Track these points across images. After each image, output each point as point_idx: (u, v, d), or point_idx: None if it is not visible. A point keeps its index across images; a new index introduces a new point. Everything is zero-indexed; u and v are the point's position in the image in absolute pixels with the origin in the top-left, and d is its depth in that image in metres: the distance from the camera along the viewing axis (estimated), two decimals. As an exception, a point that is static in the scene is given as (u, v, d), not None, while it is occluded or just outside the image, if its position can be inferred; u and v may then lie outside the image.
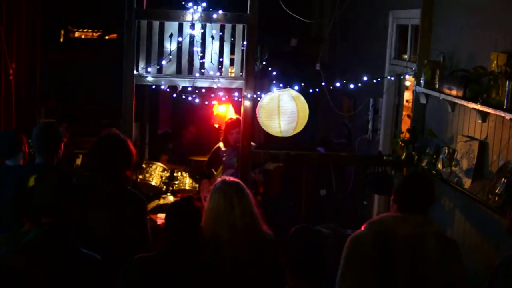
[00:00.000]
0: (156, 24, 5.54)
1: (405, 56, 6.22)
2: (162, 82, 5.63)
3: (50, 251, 2.80)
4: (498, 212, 3.87)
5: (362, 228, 3.36)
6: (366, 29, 7.69)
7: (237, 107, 6.90)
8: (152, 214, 6.46)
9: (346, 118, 7.97)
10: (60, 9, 10.43)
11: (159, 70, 5.59)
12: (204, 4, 5.49)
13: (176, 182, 7.26)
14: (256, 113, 5.32)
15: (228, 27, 5.59)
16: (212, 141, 8.04)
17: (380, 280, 3.23)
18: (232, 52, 5.65)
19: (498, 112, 3.81)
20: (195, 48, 5.55)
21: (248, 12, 5.47)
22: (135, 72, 5.51)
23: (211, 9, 5.54)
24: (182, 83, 5.67)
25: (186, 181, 7.30)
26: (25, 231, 3.16)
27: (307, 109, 5.24)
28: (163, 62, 5.56)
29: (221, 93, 5.86)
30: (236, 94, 5.91)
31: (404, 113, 6.44)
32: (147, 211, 3.92)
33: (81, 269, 2.83)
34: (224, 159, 6.47)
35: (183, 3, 5.60)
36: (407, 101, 6.39)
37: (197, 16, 5.48)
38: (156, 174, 7.26)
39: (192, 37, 5.54)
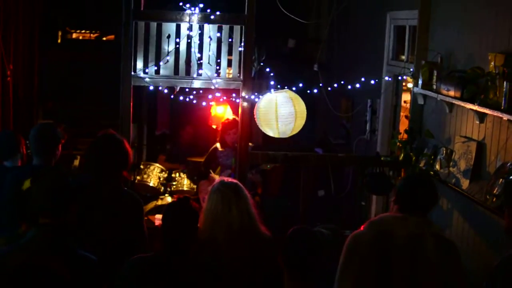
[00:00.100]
0: (153, 25, 5.54)
1: (403, 57, 6.22)
2: (160, 83, 5.63)
3: (46, 251, 2.79)
4: (496, 212, 3.87)
5: (362, 228, 3.36)
6: (363, 30, 7.70)
7: (234, 108, 6.90)
8: (150, 215, 6.46)
9: (344, 119, 7.97)
10: (57, 10, 10.41)
11: (157, 71, 5.59)
12: (201, 5, 5.49)
13: (174, 183, 7.25)
14: (253, 114, 5.32)
15: (225, 28, 5.59)
16: (210, 142, 8.02)
17: (379, 280, 3.23)
18: (229, 53, 5.65)
19: (496, 113, 3.81)
20: (192, 49, 5.55)
21: (245, 13, 5.47)
22: (132, 73, 5.51)
23: (208, 10, 5.54)
24: (180, 84, 5.66)
25: (184, 182, 7.29)
26: (21, 232, 3.15)
27: (305, 110, 5.24)
28: (161, 63, 5.56)
29: (218, 94, 5.86)
30: (234, 95, 5.91)
31: (402, 114, 6.45)
32: (144, 212, 3.92)
33: (77, 270, 2.82)
34: (220, 159, 6.47)
35: (181, 4, 5.60)
36: (405, 102, 6.40)
37: (194, 17, 5.48)
38: (154, 175, 7.26)
39: (189, 38, 5.54)
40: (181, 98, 6.34)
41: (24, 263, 2.76)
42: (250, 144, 5.80)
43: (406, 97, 6.33)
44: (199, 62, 5.58)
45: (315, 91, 5.69)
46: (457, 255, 3.31)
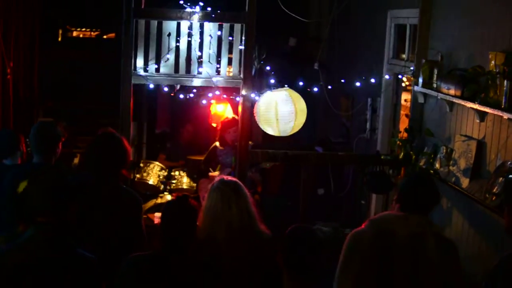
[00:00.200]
0: (154, 23, 5.54)
1: (403, 56, 6.22)
2: (160, 82, 5.62)
3: (45, 250, 2.79)
4: (496, 211, 3.86)
5: (363, 226, 3.36)
6: (364, 28, 7.69)
7: (235, 106, 6.90)
8: (149, 213, 6.46)
9: (344, 117, 7.97)
10: (58, 9, 10.41)
11: (157, 70, 5.59)
12: (202, 4, 5.49)
13: (174, 181, 7.25)
14: (254, 112, 5.32)
15: (226, 26, 5.59)
16: (210, 140, 8.02)
17: (378, 278, 3.23)
18: (230, 51, 5.65)
19: (496, 112, 3.81)
20: (193, 48, 5.55)
21: (246, 11, 5.46)
22: (133, 71, 5.50)
23: (209, 8, 5.54)
24: (180, 82, 5.66)
25: (184, 180, 7.29)
26: (19, 231, 3.15)
27: (305, 109, 5.24)
28: (161, 61, 5.55)
29: (218, 92, 5.86)
30: (234, 93, 5.90)
31: (402, 112, 6.44)
32: (143, 210, 3.93)
33: (76, 268, 2.82)
34: (220, 158, 6.46)
35: (181, 2, 5.60)
36: (405, 100, 6.39)
37: (195, 15, 5.48)
38: (154, 173, 7.25)
39: (190, 36, 5.53)
40: (181, 96, 6.34)
41: (23, 262, 2.76)
42: (250, 142, 5.80)
43: (406, 95, 6.33)
44: (199, 60, 5.58)
45: (316, 89, 5.69)
46: (456, 255, 3.31)
